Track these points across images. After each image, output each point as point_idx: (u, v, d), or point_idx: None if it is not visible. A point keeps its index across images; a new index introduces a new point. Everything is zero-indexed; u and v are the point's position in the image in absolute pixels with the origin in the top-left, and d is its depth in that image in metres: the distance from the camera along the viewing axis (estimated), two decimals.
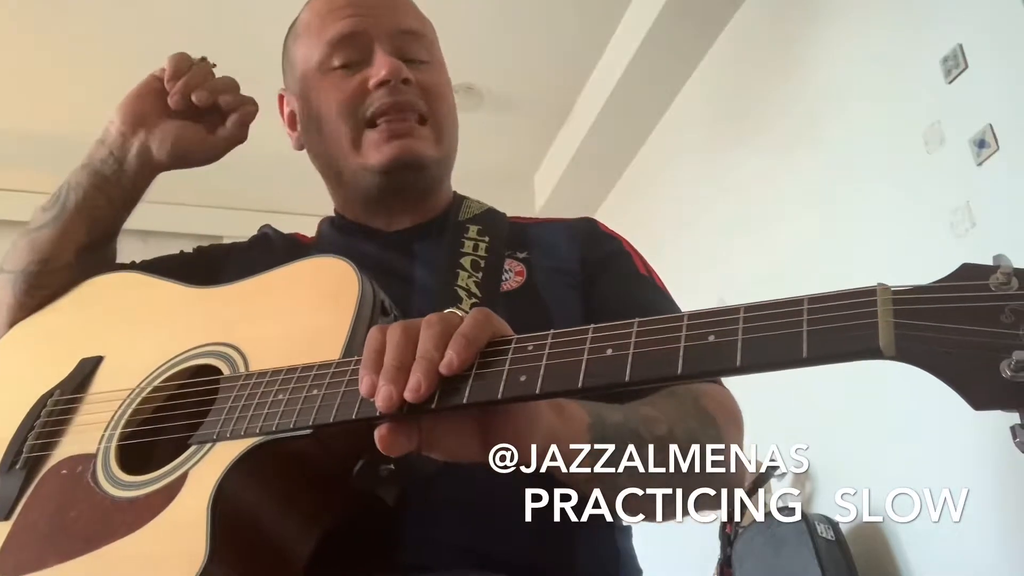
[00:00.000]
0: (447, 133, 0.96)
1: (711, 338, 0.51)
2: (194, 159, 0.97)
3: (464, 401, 0.56)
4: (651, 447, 0.71)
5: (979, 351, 0.44)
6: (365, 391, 0.58)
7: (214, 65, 0.94)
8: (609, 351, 0.54)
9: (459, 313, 0.61)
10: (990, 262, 0.47)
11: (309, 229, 1.10)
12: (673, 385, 0.82)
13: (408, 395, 0.56)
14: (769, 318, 0.50)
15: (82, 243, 0.94)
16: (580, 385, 0.54)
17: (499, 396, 0.55)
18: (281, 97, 1.04)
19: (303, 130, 1.01)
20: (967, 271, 0.47)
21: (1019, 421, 0.44)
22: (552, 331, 0.57)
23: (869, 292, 0.48)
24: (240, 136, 0.96)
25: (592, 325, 0.57)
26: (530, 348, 0.57)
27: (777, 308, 0.50)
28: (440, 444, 0.59)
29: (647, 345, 0.53)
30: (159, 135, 0.93)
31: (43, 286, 0.93)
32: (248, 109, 0.95)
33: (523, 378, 0.55)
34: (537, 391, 0.55)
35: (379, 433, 0.57)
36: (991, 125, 1.80)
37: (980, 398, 0.44)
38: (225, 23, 2.95)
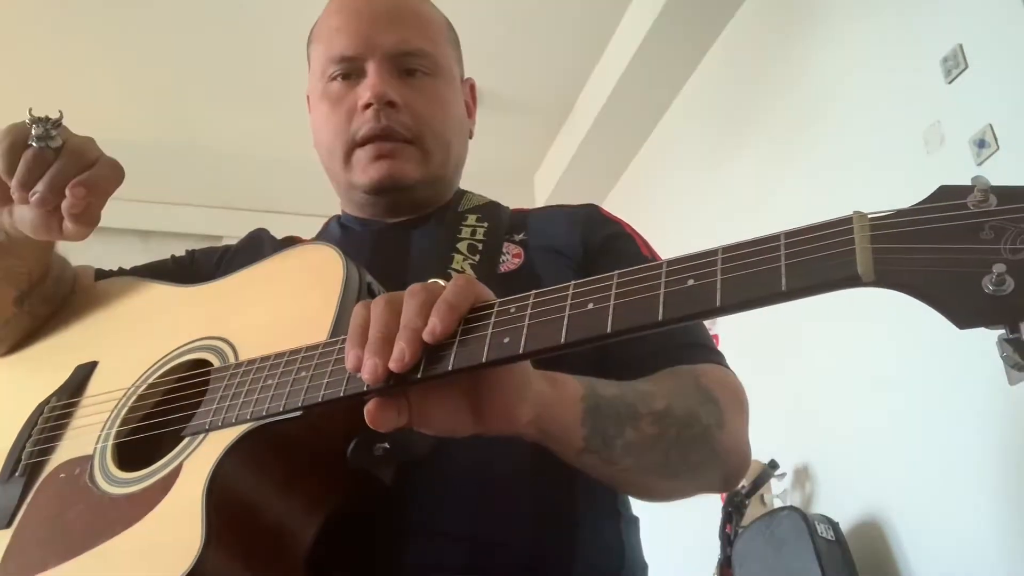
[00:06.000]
0: (437, 151, 0.97)
1: (690, 282, 0.51)
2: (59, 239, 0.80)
3: (450, 368, 0.56)
4: (647, 420, 0.71)
5: (960, 269, 0.43)
6: (351, 366, 0.58)
7: (57, 123, 0.73)
8: (590, 305, 0.54)
9: (441, 282, 0.61)
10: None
11: (308, 229, 1.11)
12: (676, 363, 0.82)
13: (393, 365, 0.56)
14: (747, 256, 0.50)
15: (15, 296, 0.89)
16: (563, 340, 0.53)
17: (483, 360, 0.55)
18: (309, 98, 1.05)
19: (313, 132, 1.02)
20: (945, 192, 0.47)
21: (1004, 335, 0.43)
22: (534, 291, 0.57)
23: (845, 220, 0.48)
24: (79, 234, 0.76)
25: (573, 282, 0.56)
26: (512, 310, 0.57)
27: (755, 246, 0.50)
28: (431, 418, 0.59)
29: (627, 296, 0.53)
30: (17, 219, 0.77)
31: (2, 339, 0.92)
32: (83, 210, 0.73)
33: (507, 340, 0.55)
34: (521, 351, 0.54)
35: (368, 408, 0.57)
36: (991, 125, 1.80)
37: (964, 316, 0.43)
38: (218, 25, 2.96)
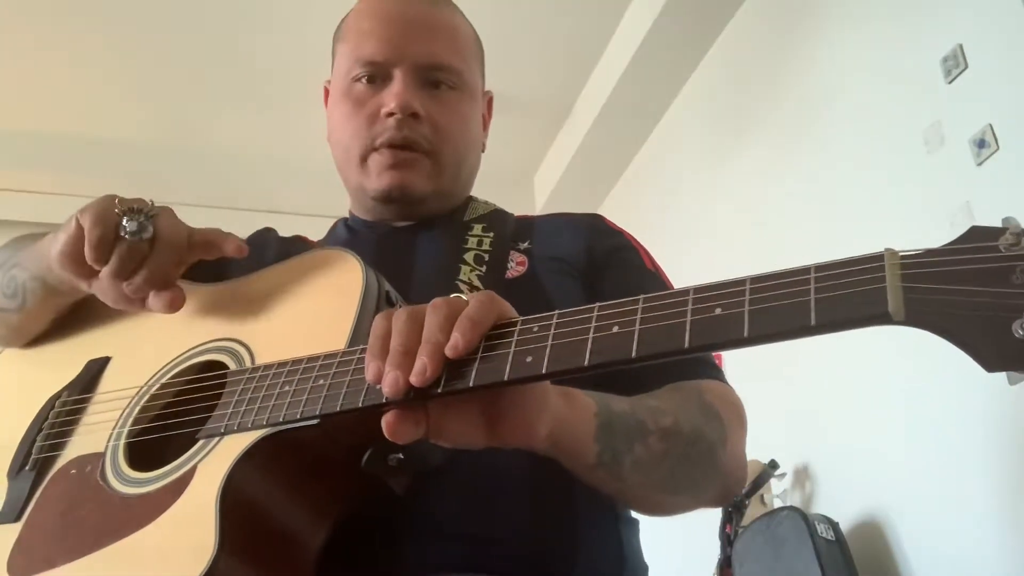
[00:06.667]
0: (451, 166, 0.98)
1: (718, 311, 0.51)
2: None
3: (471, 384, 0.56)
4: (655, 437, 0.71)
5: (990, 312, 0.43)
6: (371, 377, 0.58)
7: (150, 215, 0.73)
8: (615, 328, 0.53)
9: (464, 297, 0.61)
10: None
11: (309, 229, 1.11)
12: (679, 378, 0.83)
13: (414, 379, 0.56)
14: (776, 288, 0.50)
15: (53, 318, 0.92)
16: (587, 363, 0.53)
17: (505, 378, 0.55)
18: (327, 90, 1.05)
19: (329, 126, 1.02)
20: (976, 233, 0.46)
21: None
22: (558, 311, 0.57)
23: (877, 257, 0.47)
24: (162, 312, 0.78)
25: (597, 304, 0.56)
26: (536, 329, 0.56)
27: (784, 278, 0.50)
28: (448, 431, 0.59)
29: (653, 321, 0.53)
30: (96, 290, 0.79)
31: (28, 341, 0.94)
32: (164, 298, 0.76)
33: (529, 359, 0.55)
34: (543, 371, 0.54)
35: (386, 420, 0.57)
36: (991, 125, 1.80)
37: (992, 359, 0.43)
38: (218, 25, 2.96)
